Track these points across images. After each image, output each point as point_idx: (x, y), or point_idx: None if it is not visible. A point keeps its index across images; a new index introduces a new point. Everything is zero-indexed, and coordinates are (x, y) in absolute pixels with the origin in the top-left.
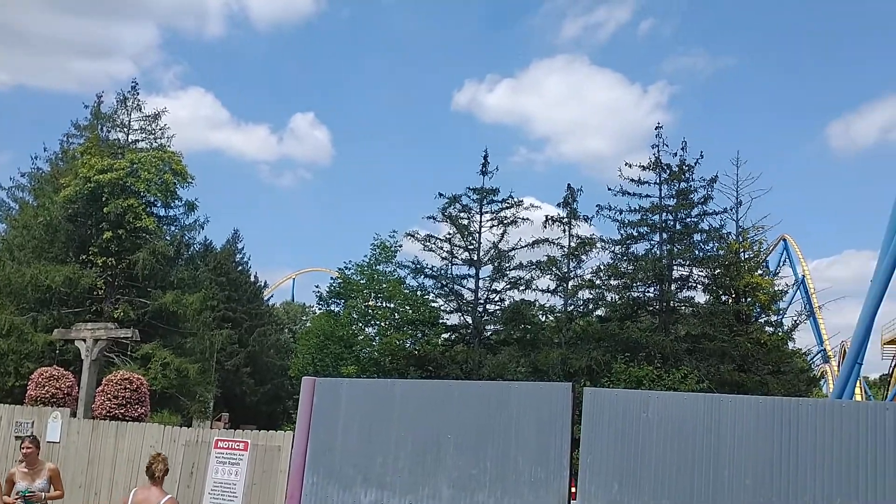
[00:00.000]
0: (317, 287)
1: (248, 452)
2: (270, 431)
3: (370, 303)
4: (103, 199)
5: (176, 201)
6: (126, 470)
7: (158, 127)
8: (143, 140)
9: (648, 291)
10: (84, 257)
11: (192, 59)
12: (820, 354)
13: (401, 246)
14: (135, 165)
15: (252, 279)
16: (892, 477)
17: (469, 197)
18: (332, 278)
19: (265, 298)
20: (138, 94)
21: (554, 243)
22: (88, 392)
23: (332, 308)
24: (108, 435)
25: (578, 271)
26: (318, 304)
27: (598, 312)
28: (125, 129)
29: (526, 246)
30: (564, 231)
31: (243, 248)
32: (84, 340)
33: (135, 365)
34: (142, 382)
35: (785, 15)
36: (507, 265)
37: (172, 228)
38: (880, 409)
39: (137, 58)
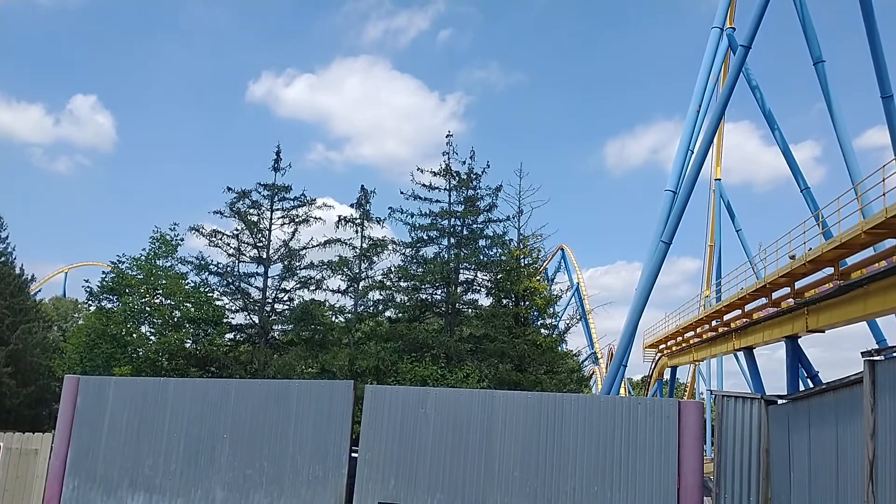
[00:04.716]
0: (86, 281)
1: (0, 457)
2: (27, 434)
3: (147, 299)
4: None
5: None
6: None
7: None
8: None
9: (436, 293)
10: None
11: None
12: (591, 356)
13: (182, 240)
14: None
15: (17, 272)
16: (643, 464)
17: (260, 193)
18: (104, 272)
19: (32, 293)
20: None
21: (346, 244)
22: None
23: (105, 305)
24: None
25: (370, 272)
26: (89, 299)
27: (388, 313)
28: None
29: (317, 245)
30: (357, 232)
31: (7, 237)
32: None
33: None
34: None
35: (573, 37)
36: (297, 264)
37: None
38: (633, 403)
39: None
